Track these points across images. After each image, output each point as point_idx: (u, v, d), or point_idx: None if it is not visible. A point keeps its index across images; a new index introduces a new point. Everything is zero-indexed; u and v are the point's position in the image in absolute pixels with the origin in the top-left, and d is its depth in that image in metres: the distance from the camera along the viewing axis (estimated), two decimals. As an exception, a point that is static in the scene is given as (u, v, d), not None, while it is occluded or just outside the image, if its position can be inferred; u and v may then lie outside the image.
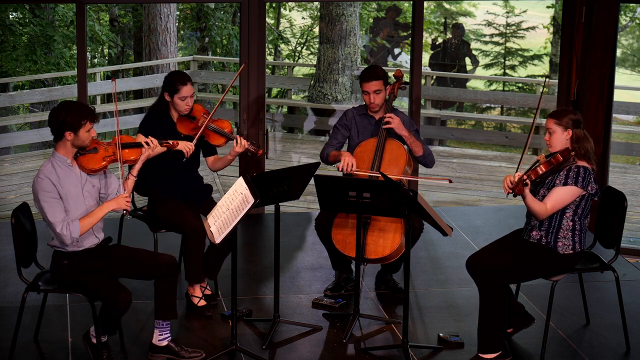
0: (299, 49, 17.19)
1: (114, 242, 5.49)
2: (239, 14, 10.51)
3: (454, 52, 14.48)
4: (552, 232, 5.33)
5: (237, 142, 6.01)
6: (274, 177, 5.53)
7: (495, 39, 16.26)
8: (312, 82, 14.30)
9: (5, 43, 13.94)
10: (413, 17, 8.09)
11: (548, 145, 5.36)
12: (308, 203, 9.42)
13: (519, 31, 16.15)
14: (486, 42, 16.35)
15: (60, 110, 5.13)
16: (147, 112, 6.23)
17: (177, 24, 15.10)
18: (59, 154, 5.20)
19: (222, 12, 15.51)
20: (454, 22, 16.56)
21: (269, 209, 6.75)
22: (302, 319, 5.98)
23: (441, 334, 5.73)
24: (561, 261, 5.35)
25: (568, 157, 5.24)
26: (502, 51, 16.18)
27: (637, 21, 16.46)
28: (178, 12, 15.36)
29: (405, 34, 15.03)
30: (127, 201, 5.19)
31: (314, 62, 15.18)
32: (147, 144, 5.44)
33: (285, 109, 15.13)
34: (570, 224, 5.32)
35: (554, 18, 15.57)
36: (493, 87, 16.07)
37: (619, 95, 9.96)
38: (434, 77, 14.29)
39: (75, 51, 9.72)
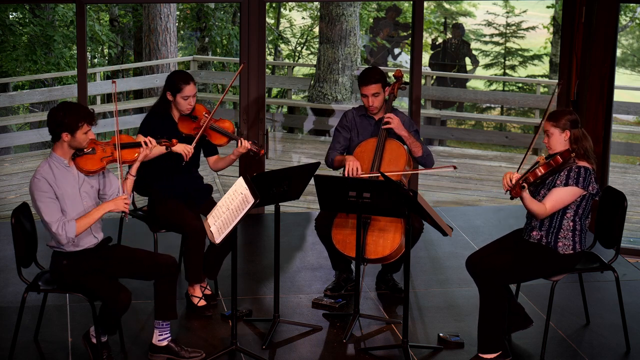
0: (299, 49, 17.19)
1: (114, 242, 5.49)
2: (239, 14, 10.51)
3: (454, 52, 14.48)
4: (553, 232, 5.33)
5: (240, 142, 6.01)
6: (274, 177, 5.53)
7: (495, 39, 16.26)
8: (312, 82, 14.30)
9: (5, 43, 13.94)
10: (413, 17, 8.09)
11: (547, 147, 5.36)
12: (308, 203, 9.42)
13: (519, 31, 16.15)
14: (486, 42, 16.35)
15: (59, 110, 5.13)
16: (148, 112, 6.23)
17: (177, 24, 15.10)
18: (56, 154, 5.20)
19: (222, 12, 15.51)
20: (454, 22, 16.56)
21: (269, 209, 6.75)
22: (302, 319, 5.98)
23: (441, 334, 5.73)
24: (561, 261, 5.35)
25: (568, 158, 5.24)
26: (502, 51, 16.18)
27: (637, 21, 16.46)
28: (178, 12, 15.36)
29: (405, 34, 15.03)
30: (125, 203, 5.19)
31: (314, 62, 15.18)
32: (146, 143, 5.43)
33: (285, 109, 15.13)
34: (571, 224, 5.32)
35: (554, 18, 15.58)
36: (493, 87, 16.07)
37: (619, 95, 9.96)
38: (434, 77, 14.29)
39: (75, 51, 9.72)
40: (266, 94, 9.40)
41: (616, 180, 11.04)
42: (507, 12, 16.16)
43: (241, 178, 5.26)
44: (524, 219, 5.52)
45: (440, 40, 15.54)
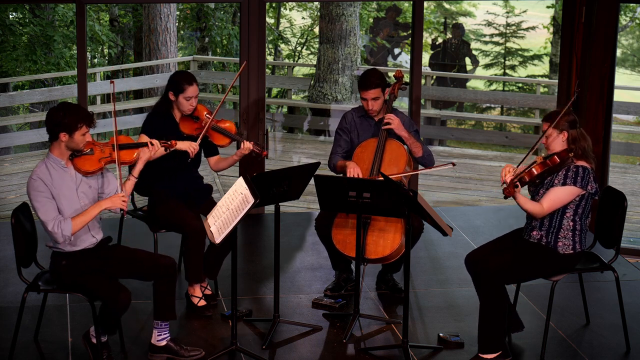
0: (299, 49, 17.19)
1: (114, 242, 5.49)
2: (239, 14, 10.51)
3: (454, 52, 14.48)
4: (553, 232, 5.33)
5: (243, 143, 6.01)
6: (274, 177, 5.53)
7: (495, 39, 16.26)
8: (312, 82, 14.30)
9: (5, 43, 13.94)
10: (413, 17, 8.09)
11: (546, 148, 5.37)
12: (308, 203, 9.42)
13: (519, 31, 16.15)
14: (486, 42, 16.35)
15: (58, 110, 5.13)
16: (150, 112, 6.22)
17: (177, 24, 15.10)
18: (53, 155, 5.20)
19: (222, 12, 15.51)
20: (454, 22, 16.56)
21: (269, 209, 6.75)
22: (302, 319, 5.98)
23: (441, 334, 5.73)
24: (561, 261, 5.35)
25: (566, 158, 5.24)
26: (502, 51, 16.18)
27: (637, 21, 16.46)
28: (178, 12, 15.36)
29: (405, 34, 15.03)
30: (123, 200, 5.17)
31: (314, 62, 15.18)
32: (151, 143, 5.42)
33: (285, 109, 15.13)
34: (571, 224, 5.32)
35: (554, 18, 15.58)
36: (493, 87, 16.07)
37: (619, 95, 9.96)
38: (434, 77, 14.29)
39: (75, 51, 9.72)
40: (266, 94, 9.40)
41: (616, 180, 11.04)
42: (507, 12, 16.16)
43: (241, 178, 5.26)
44: (524, 219, 5.52)
45: (440, 40, 15.54)
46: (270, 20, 16.68)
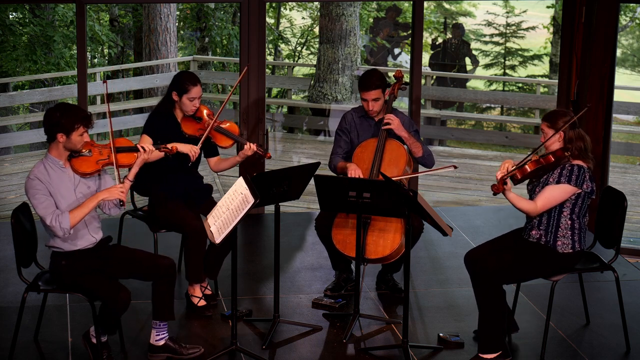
0: (299, 49, 17.19)
1: (114, 242, 5.49)
2: (239, 14, 10.51)
3: (454, 52, 14.48)
4: (551, 231, 5.34)
5: (247, 145, 6.00)
6: (274, 177, 5.53)
7: (495, 39, 16.26)
8: (312, 82, 14.30)
9: (5, 43, 13.94)
10: (413, 17, 8.09)
11: (545, 147, 5.38)
12: (308, 203, 9.42)
13: (519, 31, 16.15)
14: (486, 42, 16.35)
15: (56, 111, 5.13)
16: (152, 111, 6.21)
17: (177, 24, 15.10)
18: (51, 155, 5.20)
19: (222, 12, 15.51)
20: (454, 22, 16.56)
21: (269, 209, 6.75)
22: (302, 319, 5.98)
23: (441, 334, 5.73)
24: (561, 260, 5.35)
25: (562, 157, 5.26)
26: (502, 51, 16.18)
27: (637, 21, 16.47)
28: (178, 12, 15.36)
29: (405, 34, 15.03)
30: (120, 191, 5.15)
31: (314, 62, 15.18)
32: (143, 148, 5.39)
33: (285, 109, 15.14)
34: (569, 222, 5.32)
35: (554, 18, 15.58)
36: (493, 87, 16.07)
37: (619, 95, 9.96)
38: (434, 77, 14.29)
39: (75, 51, 9.72)
40: (266, 94, 9.40)
41: (616, 180, 11.04)
42: (507, 12, 16.16)
43: (241, 178, 5.26)
44: (524, 219, 5.52)
45: (440, 40, 15.54)
46: (270, 20, 16.68)
